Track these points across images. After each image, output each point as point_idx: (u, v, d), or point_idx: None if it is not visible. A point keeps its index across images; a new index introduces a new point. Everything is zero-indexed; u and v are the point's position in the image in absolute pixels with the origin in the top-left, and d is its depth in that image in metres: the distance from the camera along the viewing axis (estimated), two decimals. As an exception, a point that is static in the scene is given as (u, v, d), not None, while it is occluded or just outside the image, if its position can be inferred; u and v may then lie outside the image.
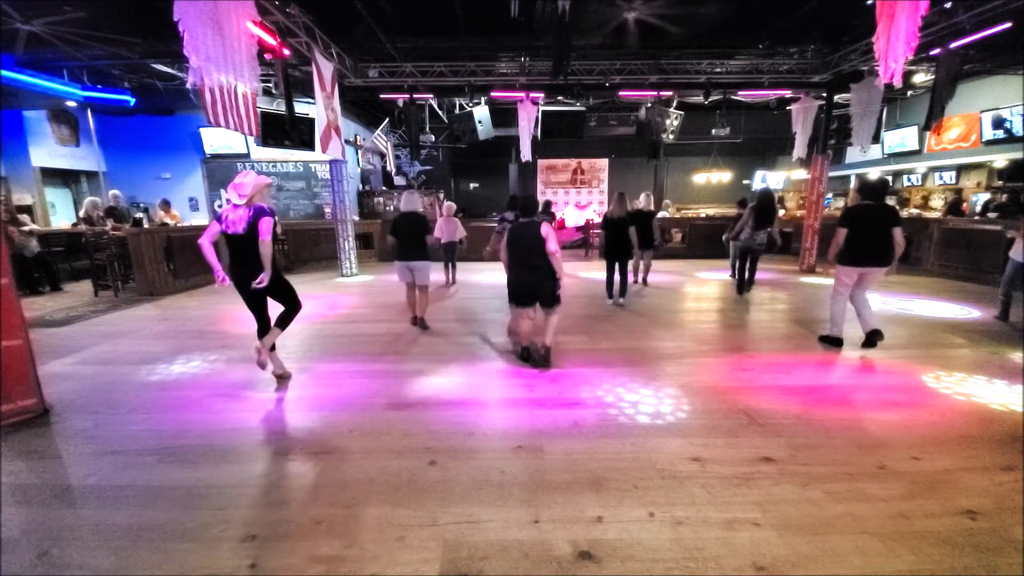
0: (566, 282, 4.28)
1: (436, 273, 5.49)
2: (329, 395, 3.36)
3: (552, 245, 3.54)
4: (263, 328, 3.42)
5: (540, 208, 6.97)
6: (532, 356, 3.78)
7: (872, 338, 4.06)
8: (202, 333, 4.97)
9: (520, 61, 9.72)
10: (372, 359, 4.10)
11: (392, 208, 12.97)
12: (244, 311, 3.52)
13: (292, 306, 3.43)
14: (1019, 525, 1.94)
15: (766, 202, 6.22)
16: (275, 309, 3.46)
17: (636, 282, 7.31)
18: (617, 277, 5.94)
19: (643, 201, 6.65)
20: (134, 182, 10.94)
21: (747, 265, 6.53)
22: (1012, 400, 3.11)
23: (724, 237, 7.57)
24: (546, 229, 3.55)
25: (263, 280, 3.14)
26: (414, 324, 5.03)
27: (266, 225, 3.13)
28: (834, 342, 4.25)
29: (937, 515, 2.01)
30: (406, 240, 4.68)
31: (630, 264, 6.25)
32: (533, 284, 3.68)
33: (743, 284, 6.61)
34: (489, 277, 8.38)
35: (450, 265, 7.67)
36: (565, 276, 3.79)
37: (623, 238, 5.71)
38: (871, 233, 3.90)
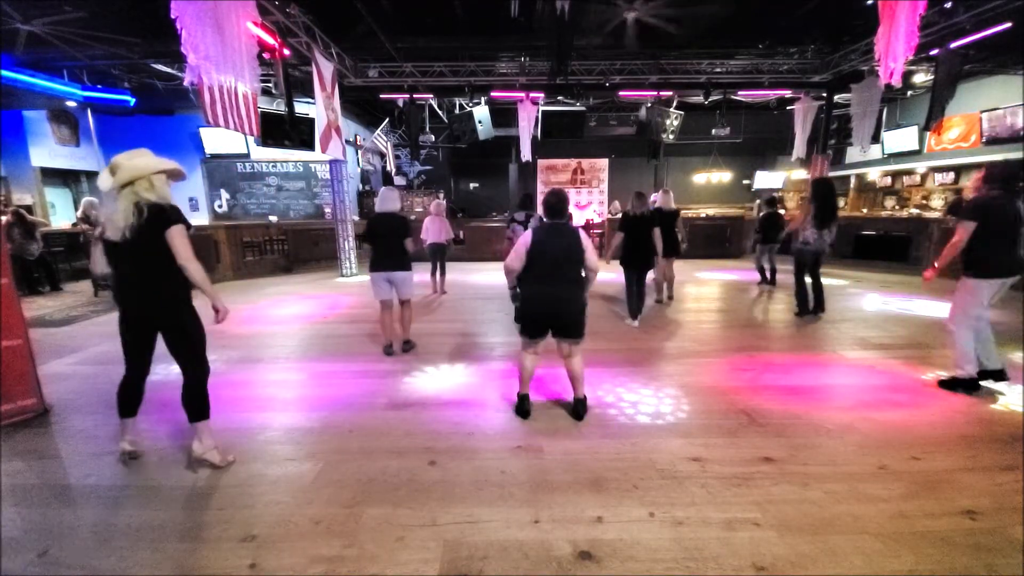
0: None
1: (421, 274, 4.73)
2: (329, 395, 3.35)
3: (593, 259, 2.76)
4: (135, 384, 2.39)
5: None
6: (529, 408, 2.99)
7: (999, 376, 3.21)
8: (202, 333, 4.97)
9: (520, 61, 9.73)
10: (372, 359, 4.09)
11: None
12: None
13: (198, 368, 2.37)
14: (1019, 525, 1.94)
15: (828, 193, 5.03)
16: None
17: (661, 300, 6.08)
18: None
19: (661, 199, 5.76)
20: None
21: (811, 276, 5.26)
22: (1012, 400, 3.11)
23: (794, 246, 5.34)
24: (585, 237, 2.77)
25: (221, 316, 2.34)
26: (388, 353, 4.14)
27: (180, 239, 2.16)
28: (968, 385, 3.20)
29: (937, 515, 2.01)
30: (384, 246, 3.98)
31: (651, 276, 5.29)
32: (560, 307, 2.77)
33: (806, 301, 5.26)
34: (487, 277, 8.38)
35: (438, 270, 6.81)
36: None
37: (648, 241, 4.86)
38: (1009, 233, 2.99)
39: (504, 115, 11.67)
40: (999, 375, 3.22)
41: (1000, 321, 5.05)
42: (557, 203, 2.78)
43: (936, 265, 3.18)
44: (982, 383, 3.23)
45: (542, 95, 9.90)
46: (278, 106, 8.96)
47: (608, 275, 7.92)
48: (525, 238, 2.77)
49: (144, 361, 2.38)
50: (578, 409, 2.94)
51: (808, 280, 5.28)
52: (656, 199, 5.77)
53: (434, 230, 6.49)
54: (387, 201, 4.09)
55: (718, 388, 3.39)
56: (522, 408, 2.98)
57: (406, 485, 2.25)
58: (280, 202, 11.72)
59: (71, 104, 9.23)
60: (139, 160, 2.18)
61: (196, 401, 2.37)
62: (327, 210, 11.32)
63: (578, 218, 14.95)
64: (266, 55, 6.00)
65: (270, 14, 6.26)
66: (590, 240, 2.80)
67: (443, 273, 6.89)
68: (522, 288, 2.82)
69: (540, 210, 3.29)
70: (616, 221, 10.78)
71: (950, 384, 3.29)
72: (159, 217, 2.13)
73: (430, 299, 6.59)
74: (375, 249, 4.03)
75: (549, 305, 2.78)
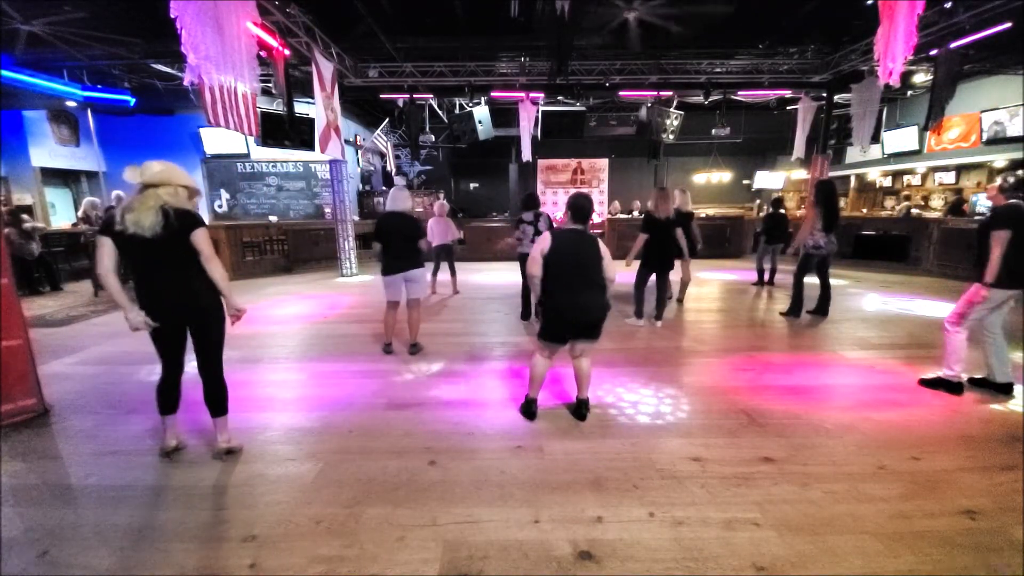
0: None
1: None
2: (329, 395, 3.35)
3: (612, 270, 2.71)
4: (171, 382, 2.47)
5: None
6: (535, 412, 2.95)
7: (1005, 390, 3.17)
8: (202, 333, 4.97)
9: (520, 61, 9.72)
10: (372, 359, 4.09)
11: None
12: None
13: (217, 366, 2.50)
14: (1019, 525, 1.94)
15: (833, 195, 5.03)
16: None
17: (671, 298, 6.06)
18: (650, 290, 5.05)
19: (680, 199, 5.67)
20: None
21: (819, 279, 5.26)
22: (1012, 400, 3.10)
23: (802, 250, 5.26)
24: (604, 246, 2.71)
25: (238, 315, 2.42)
26: (387, 352, 4.18)
27: (206, 240, 2.26)
28: (952, 387, 3.21)
29: (937, 515, 2.01)
30: (399, 246, 3.92)
31: (675, 276, 5.26)
32: (592, 313, 2.69)
33: (801, 304, 5.27)
34: (489, 277, 8.38)
35: (441, 269, 6.84)
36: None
37: (671, 243, 4.89)
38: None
39: (504, 115, 11.66)
40: (1006, 389, 3.17)
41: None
42: (587, 206, 2.77)
43: (988, 280, 3.00)
44: (1003, 395, 3.17)
45: (542, 95, 9.90)
46: (278, 106, 8.97)
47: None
48: (544, 243, 2.70)
49: (179, 359, 2.48)
50: (581, 409, 2.94)
51: (815, 281, 5.26)
52: (675, 199, 5.59)
53: (439, 231, 6.48)
54: (397, 201, 4.01)
55: (718, 388, 3.40)
56: (528, 411, 2.96)
57: (406, 485, 2.25)
58: (280, 202, 11.72)
59: (71, 104, 9.22)
60: (172, 171, 2.29)
61: (220, 396, 2.52)
62: (327, 210, 11.31)
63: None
64: (263, 53, 5.98)
65: (270, 14, 6.26)
66: (607, 250, 2.72)
67: (453, 274, 6.91)
68: (549, 298, 2.72)
69: (562, 211, 3.16)
70: (616, 221, 10.89)
71: (933, 383, 3.30)
72: (188, 220, 2.23)
73: (430, 300, 6.58)
74: (387, 250, 3.94)
75: (579, 313, 2.70)
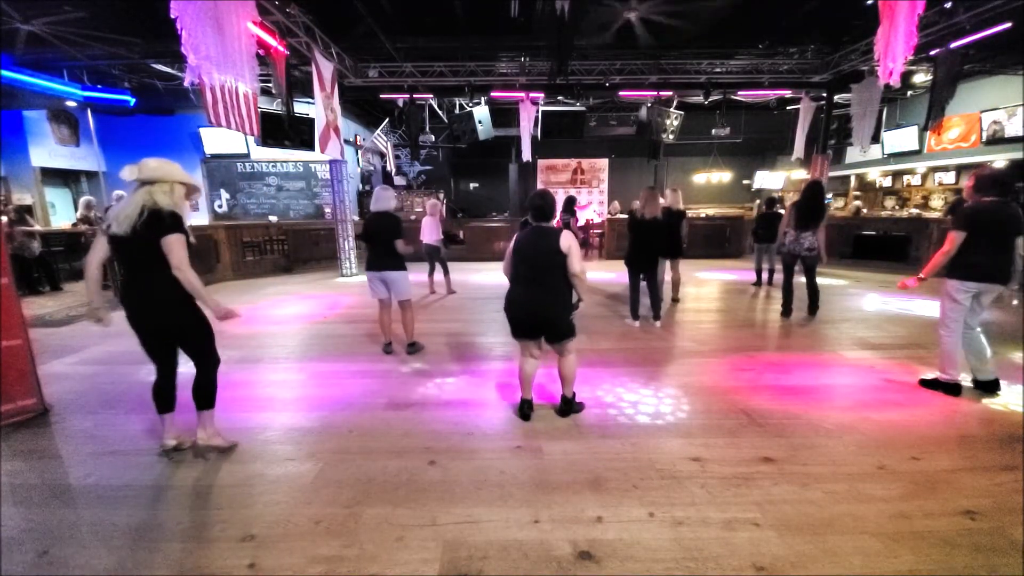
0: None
1: (419, 274, 4.58)
2: (329, 395, 3.35)
3: (576, 264, 2.61)
4: (164, 382, 2.46)
5: (561, 207, 5.82)
6: (530, 413, 2.92)
7: (991, 387, 3.19)
8: (202, 333, 4.96)
9: (520, 61, 9.73)
10: (372, 359, 4.09)
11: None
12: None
13: (207, 362, 2.44)
14: (1019, 525, 1.93)
15: (811, 196, 4.98)
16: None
17: (674, 300, 6.22)
18: (644, 292, 5.04)
19: (671, 198, 5.68)
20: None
21: (806, 279, 5.25)
22: (1012, 400, 3.10)
23: (777, 245, 5.70)
24: (567, 241, 2.58)
25: (228, 316, 2.30)
26: (388, 352, 4.19)
27: (175, 247, 2.14)
28: (948, 388, 3.20)
29: (937, 515, 2.01)
30: (378, 245, 3.96)
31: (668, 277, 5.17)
32: (537, 311, 2.70)
33: (789, 303, 5.28)
34: (487, 277, 8.38)
35: (435, 270, 6.86)
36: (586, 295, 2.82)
37: (656, 243, 4.86)
38: (996, 239, 2.98)
39: (504, 115, 11.67)
40: (991, 386, 3.18)
41: (996, 320, 5.04)
42: (542, 205, 2.69)
43: (923, 275, 3.15)
44: (985, 393, 3.19)
45: (542, 95, 9.90)
46: (278, 106, 8.97)
47: (608, 275, 7.93)
48: (512, 242, 2.78)
49: (166, 360, 2.44)
50: (561, 406, 2.95)
51: (804, 281, 5.28)
52: (666, 198, 5.64)
53: (428, 230, 6.53)
54: (381, 200, 4.03)
55: (718, 388, 3.39)
56: (522, 412, 2.94)
57: (406, 485, 2.25)
58: (280, 202, 11.72)
59: (71, 104, 9.23)
60: (169, 167, 2.26)
61: (204, 392, 2.48)
62: (327, 210, 11.32)
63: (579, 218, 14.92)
64: (262, 53, 5.98)
65: (270, 14, 6.26)
66: (575, 244, 2.63)
67: (445, 273, 6.88)
68: (509, 290, 2.81)
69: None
70: (616, 221, 10.88)
71: (931, 384, 3.30)
72: (156, 223, 2.14)
73: (428, 299, 6.59)
74: (370, 249, 4.02)
75: (523, 308, 2.74)
